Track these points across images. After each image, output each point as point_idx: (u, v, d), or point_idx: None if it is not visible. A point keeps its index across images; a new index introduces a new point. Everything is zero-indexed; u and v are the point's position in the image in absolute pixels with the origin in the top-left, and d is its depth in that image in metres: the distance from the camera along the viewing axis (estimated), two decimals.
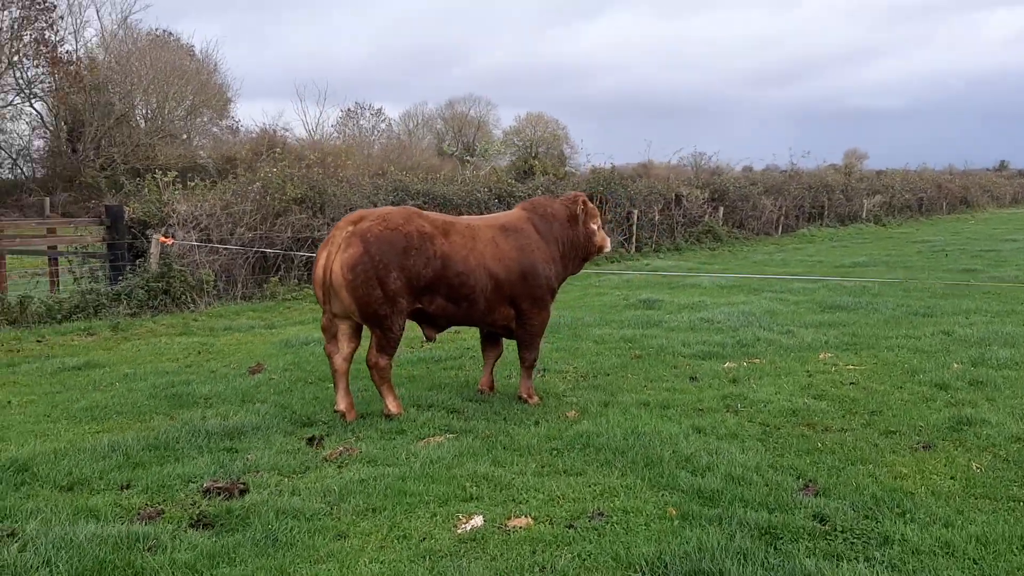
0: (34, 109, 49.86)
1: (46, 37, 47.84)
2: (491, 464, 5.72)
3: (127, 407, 7.49)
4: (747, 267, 21.58)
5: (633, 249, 25.10)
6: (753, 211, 30.32)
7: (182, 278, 14.18)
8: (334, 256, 6.67)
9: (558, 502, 4.99)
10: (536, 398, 7.55)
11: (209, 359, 10.10)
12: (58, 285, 15.72)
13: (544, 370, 8.88)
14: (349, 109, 56.47)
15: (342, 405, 6.93)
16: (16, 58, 48.39)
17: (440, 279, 6.87)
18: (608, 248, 8.36)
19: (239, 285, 15.44)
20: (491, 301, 7.20)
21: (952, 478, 5.42)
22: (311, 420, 6.90)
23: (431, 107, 72.75)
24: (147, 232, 14.86)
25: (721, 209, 29.09)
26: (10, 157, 50.30)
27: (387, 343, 6.85)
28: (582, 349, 10.03)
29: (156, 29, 52.20)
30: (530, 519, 4.74)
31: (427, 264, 6.77)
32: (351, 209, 16.95)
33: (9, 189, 45.73)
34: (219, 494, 5.16)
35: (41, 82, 49.13)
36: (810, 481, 5.32)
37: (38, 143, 50.89)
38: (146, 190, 15.91)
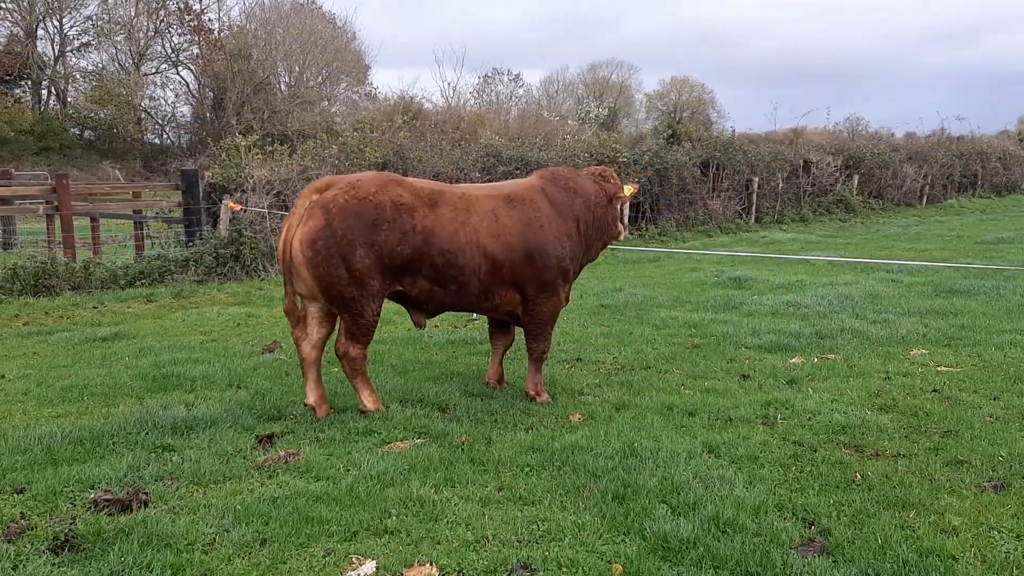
0: (180, 77, 51.71)
1: (190, 5, 49.49)
2: (442, 482, 4.78)
3: (107, 387, 6.96)
4: (876, 240, 19.65)
5: (752, 220, 23.38)
6: (893, 179, 27.78)
7: (253, 245, 13.81)
8: (294, 230, 5.82)
9: (482, 546, 4.00)
10: (545, 395, 6.52)
11: (241, 333, 9.57)
12: (144, 250, 15.75)
13: (578, 359, 7.83)
14: (486, 75, 55.78)
15: (312, 398, 6.12)
16: (162, 25, 50.36)
17: (422, 258, 5.90)
18: (622, 236, 7.13)
19: None
20: (487, 285, 6.16)
21: (1019, 537, 4.08)
22: (281, 413, 6.14)
23: (572, 72, 71.39)
24: (224, 198, 14.59)
25: (856, 177, 26.79)
26: (159, 123, 52.48)
27: (358, 330, 5.96)
28: (635, 335, 8.89)
29: None
30: (434, 569, 3.78)
31: (403, 240, 5.81)
32: (435, 175, 16.22)
33: (156, 154, 47.64)
34: (107, 507, 4.44)
35: (185, 50, 50.98)
36: (820, 533, 4.11)
37: (184, 109, 52.80)
38: (224, 155, 15.63)
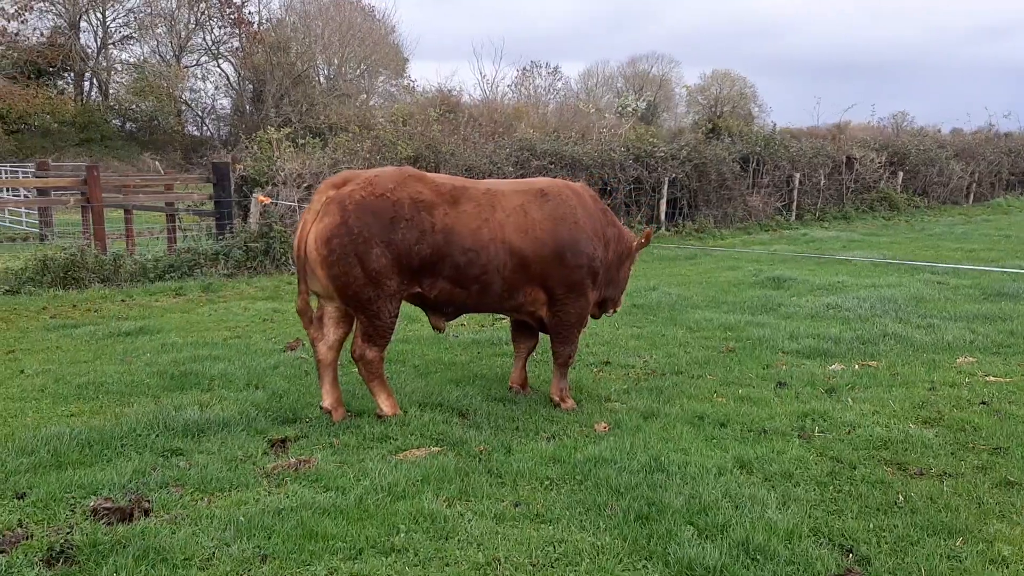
0: (220, 69, 52.01)
1: None
2: (456, 496, 4.54)
3: (124, 385, 6.82)
4: (921, 240, 19.09)
5: (793, 217, 22.88)
6: (939, 177, 27.04)
7: (283, 239, 13.67)
8: (309, 227, 5.59)
9: (493, 569, 3.75)
10: (570, 402, 6.25)
11: (266, 329, 9.42)
12: (176, 242, 15.72)
13: (607, 363, 7.56)
14: (525, 68, 55.41)
15: (328, 402, 5.91)
16: (203, 18, 50.67)
17: (442, 257, 5.65)
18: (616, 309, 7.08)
19: None
20: (511, 282, 5.89)
21: None
22: (297, 416, 5.94)
23: (612, 65, 70.83)
24: (254, 191, 14.49)
25: (900, 174, 26.11)
26: (199, 115, 52.88)
27: (375, 332, 5.74)
28: (668, 337, 8.59)
29: None
30: None
31: (422, 239, 5.56)
32: (468, 170, 15.99)
33: (196, 145, 47.97)
34: (107, 516, 4.27)
35: (226, 42, 51.28)
36: (859, 561, 3.80)
37: (224, 101, 53.12)
38: (256, 148, 15.53)
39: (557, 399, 6.26)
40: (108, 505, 4.33)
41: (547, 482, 4.74)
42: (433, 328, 6.17)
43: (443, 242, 5.62)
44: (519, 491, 4.63)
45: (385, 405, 5.88)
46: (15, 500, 4.50)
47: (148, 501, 4.46)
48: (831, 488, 4.63)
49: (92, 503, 4.38)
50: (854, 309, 9.70)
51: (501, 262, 5.80)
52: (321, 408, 5.92)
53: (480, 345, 8.28)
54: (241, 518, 4.22)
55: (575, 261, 6.04)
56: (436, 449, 5.28)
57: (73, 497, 4.51)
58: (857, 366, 7.34)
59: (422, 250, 5.58)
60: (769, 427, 5.64)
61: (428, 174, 5.93)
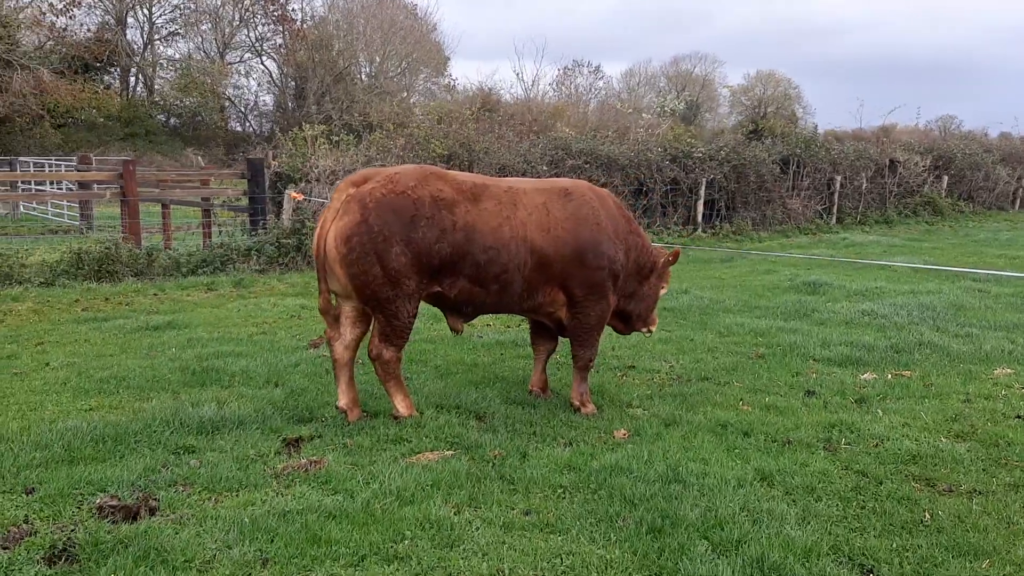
0: (263, 66, 52.47)
1: None
2: (465, 502, 4.44)
3: (145, 380, 6.81)
4: (964, 246, 18.65)
5: (833, 220, 22.48)
6: (985, 182, 26.43)
7: None
8: (329, 225, 5.52)
9: None
10: (591, 407, 6.13)
11: (292, 326, 9.41)
12: (211, 237, 15.82)
13: (631, 367, 7.41)
14: (566, 67, 55.18)
15: (343, 401, 5.84)
16: (247, 15, 51.15)
17: (463, 256, 5.56)
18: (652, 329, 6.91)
19: None
20: (531, 282, 5.80)
21: None
22: (312, 415, 5.88)
23: (655, 65, 70.33)
24: (288, 187, 14.52)
25: (945, 178, 25.56)
26: (241, 111, 53.39)
27: (392, 332, 5.65)
28: (697, 342, 8.42)
29: None
30: None
31: (442, 237, 5.47)
32: (502, 168, 15.90)
33: (238, 141, 48.44)
34: (112, 514, 4.23)
35: (269, 39, 51.71)
36: None
37: (266, 98, 53.58)
38: (292, 144, 15.57)
39: (577, 404, 6.14)
40: (114, 503, 4.29)
41: (560, 490, 4.63)
42: (451, 329, 6.08)
43: (464, 240, 5.54)
44: (531, 499, 4.51)
45: (401, 406, 5.80)
46: (23, 495, 4.48)
47: (155, 500, 4.41)
48: (854, 504, 4.46)
49: (99, 500, 4.34)
50: (890, 316, 9.44)
51: (522, 260, 5.71)
52: (337, 408, 5.86)
53: (504, 346, 8.18)
54: (246, 520, 4.16)
55: (596, 262, 5.94)
56: (450, 452, 5.18)
57: (81, 494, 4.48)
58: (890, 376, 7.12)
59: (442, 249, 5.49)
60: (794, 438, 5.47)
61: (450, 172, 5.86)
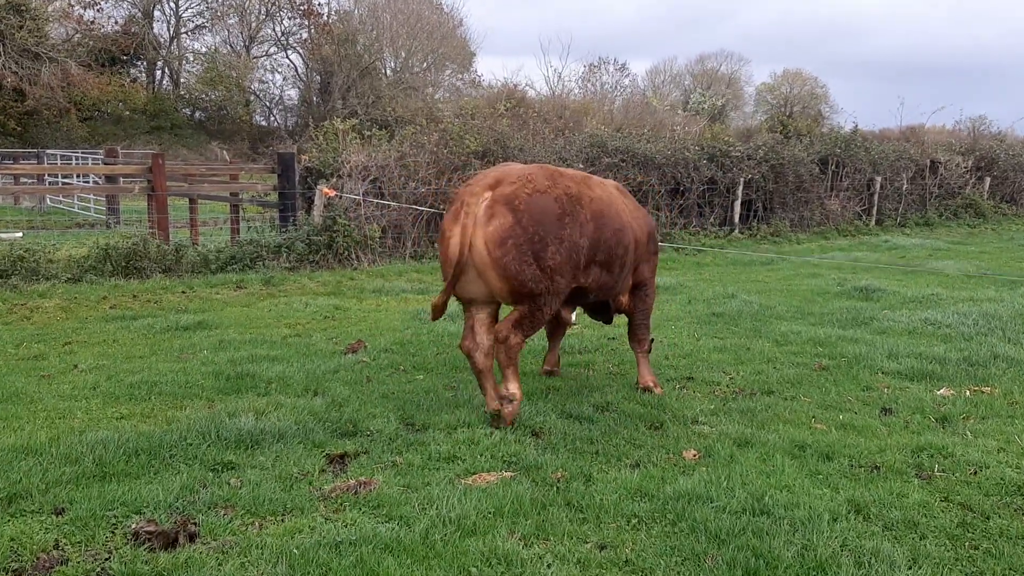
0: (289, 60, 52.35)
1: None
2: (532, 533, 4.03)
3: (178, 386, 6.46)
4: (1011, 250, 18.09)
5: (873, 222, 21.90)
6: None
7: (346, 232, 13.34)
8: (473, 229, 5.31)
9: None
10: (660, 388, 6.49)
11: (327, 327, 9.05)
12: (239, 233, 15.51)
13: (689, 378, 6.98)
14: (592, 64, 54.69)
15: (494, 404, 5.63)
16: (273, 9, 51.01)
17: (597, 244, 5.69)
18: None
19: (409, 243, 14.43)
20: (631, 265, 6.21)
21: None
22: (357, 428, 5.50)
23: (680, 63, 69.72)
24: (319, 183, 14.16)
25: (987, 180, 24.90)
26: (266, 105, 53.28)
27: (531, 324, 5.58)
28: (754, 351, 7.98)
29: None
30: None
31: (581, 231, 5.55)
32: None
33: (263, 136, 48.37)
34: (149, 540, 3.86)
35: (295, 34, 51.57)
36: None
37: (291, 92, 53.46)
38: (322, 138, 15.22)
39: (651, 384, 6.48)
40: (151, 528, 3.92)
41: (634, 520, 4.21)
42: (565, 322, 6.52)
43: (594, 228, 5.63)
44: (603, 530, 4.10)
45: (515, 388, 5.59)
46: (53, 516, 4.12)
47: (195, 524, 4.04)
48: (965, 543, 4.01)
49: (134, 525, 3.97)
50: (956, 326, 8.95)
51: (632, 241, 6.05)
52: (490, 411, 5.65)
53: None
54: (294, 551, 3.77)
55: (654, 248, 6.67)
56: (508, 474, 4.78)
57: (115, 516, 4.11)
58: (968, 392, 6.65)
59: (583, 243, 5.56)
60: (881, 462, 5.02)
61: (556, 167, 5.84)
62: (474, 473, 4.81)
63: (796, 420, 5.88)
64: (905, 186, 22.88)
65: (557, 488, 4.59)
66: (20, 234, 14.11)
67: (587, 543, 3.96)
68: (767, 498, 4.36)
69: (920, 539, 4.03)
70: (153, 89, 46.89)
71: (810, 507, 4.27)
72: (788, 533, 3.99)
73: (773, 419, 5.88)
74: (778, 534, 3.97)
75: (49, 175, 23.84)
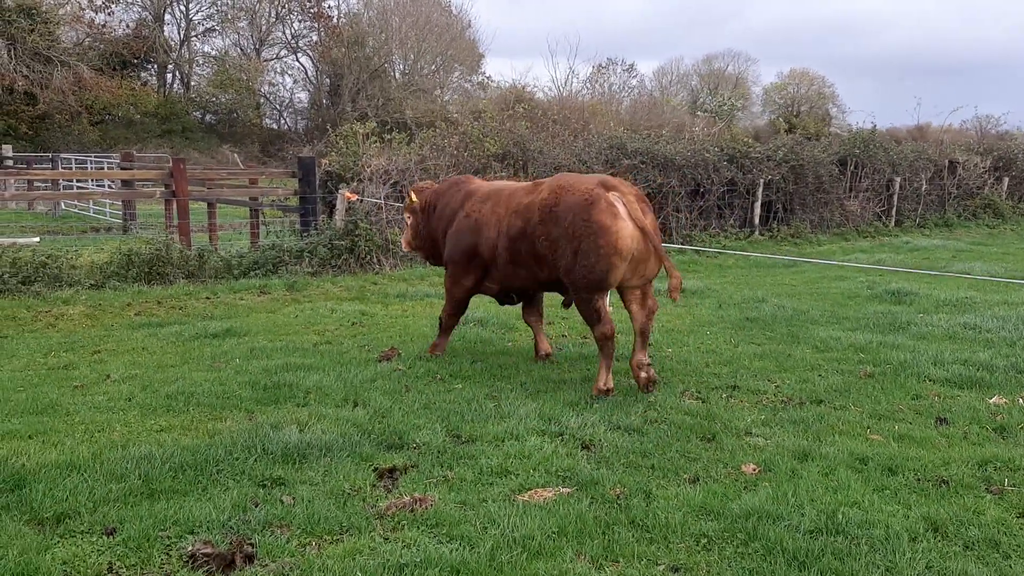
0: (299, 63, 52.28)
1: None
2: (600, 554, 3.90)
3: (215, 396, 6.33)
4: None
5: (892, 223, 21.71)
6: None
7: (368, 237, 13.21)
8: (645, 220, 6.38)
9: None
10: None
11: (356, 334, 8.91)
12: (259, 238, 15.39)
13: (734, 387, 6.83)
14: (600, 65, 54.55)
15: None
16: (283, 12, 50.97)
17: None
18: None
19: None
20: None
21: None
22: (402, 440, 5.37)
23: (687, 63, 69.54)
24: (340, 187, 14.04)
25: (1006, 180, 24.69)
26: (276, 108, 53.23)
27: None
28: (795, 357, 7.82)
29: None
30: None
31: None
32: (557, 167, 15.37)
33: (273, 139, 48.31)
34: (207, 564, 3.73)
35: (305, 36, 51.50)
36: None
37: (302, 95, 53.40)
38: (342, 142, 15.10)
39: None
40: (208, 550, 3.79)
41: (704, 540, 4.06)
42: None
43: None
44: (673, 551, 3.96)
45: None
46: (104, 537, 4.00)
47: (251, 544, 3.91)
48: None
49: (190, 547, 3.84)
50: (996, 331, 8.78)
51: None
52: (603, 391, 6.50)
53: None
54: (358, 573, 3.64)
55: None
56: (566, 490, 4.64)
57: (168, 536, 3.99)
58: (1021, 400, 6.49)
59: None
60: (947, 476, 4.87)
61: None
62: (529, 489, 4.67)
63: (851, 431, 5.73)
64: (924, 187, 22.68)
65: (618, 505, 4.45)
66: (38, 239, 14.02)
67: (659, 565, 3.82)
68: (839, 516, 4.21)
69: (1004, 559, 3.89)
70: (164, 92, 46.86)
71: (886, 525, 4.13)
72: (868, 554, 3.85)
73: (827, 430, 5.72)
74: (858, 555, 3.83)
75: (64, 179, 23.77)
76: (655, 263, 6.50)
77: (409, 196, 8.14)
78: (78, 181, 23.38)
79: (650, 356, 7.81)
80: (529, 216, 6.75)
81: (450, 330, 7.95)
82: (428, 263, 9.83)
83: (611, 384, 6.53)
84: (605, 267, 6.25)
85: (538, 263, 6.80)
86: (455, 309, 7.79)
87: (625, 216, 6.27)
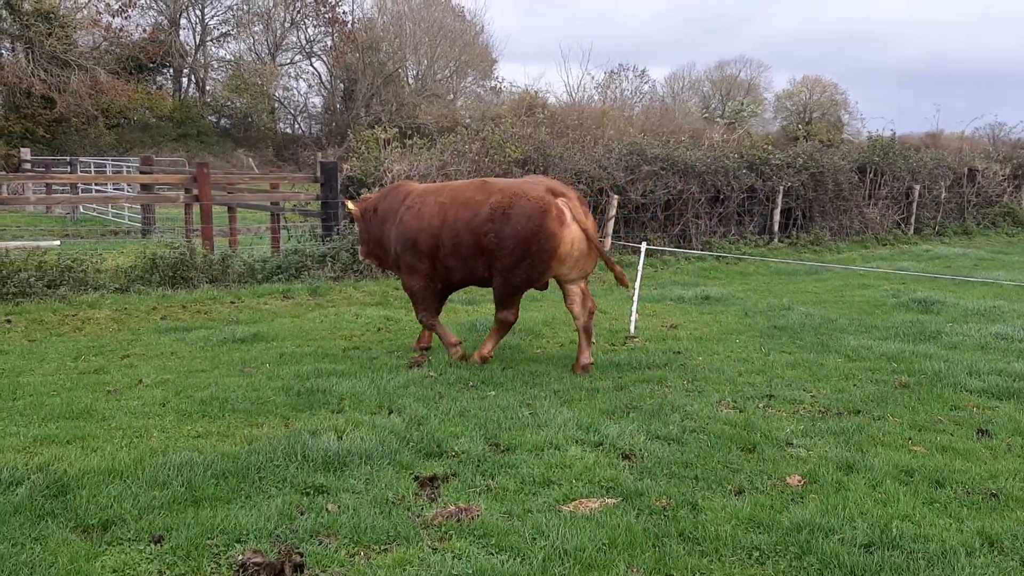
0: (313, 68, 52.39)
1: None
2: (653, 568, 3.85)
3: (250, 402, 6.32)
4: None
5: (911, 231, 21.60)
6: None
7: None
8: (587, 222, 7.22)
9: None
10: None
11: (383, 339, 8.90)
12: (280, 243, 15.40)
13: (770, 396, 6.77)
14: (612, 71, 54.48)
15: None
16: (298, 16, 51.09)
17: None
18: None
19: None
20: None
21: None
22: (441, 448, 5.34)
23: (699, 69, 69.37)
24: (361, 191, 14.04)
25: None
26: (291, 113, 53.36)
27: None
28: (828, 367, 7.76)
29: None
30: None
31: None
32: (577, 174, 15.36)
33: (287, 143, 48.43)
34: (258, 573, 3.70)
35: (319, 41, 51.62)
36: None
37: (316, 100, 53.50)
38: (363, 148, 15.10)
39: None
40: (258, 560, 3.76)
41: (756, 553, 4.01)
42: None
43: None
44: (726, 565, 3.91)
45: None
46: (152, 545, 3.97)
47: (300, 554, 3.88)
48: None
49: (240, 556, 3.82)
50: None
51: None
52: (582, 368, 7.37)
53: (620, 369, 7.59)
54: None
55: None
56: (611, 501, 4.60)
57: (216, 545, 3.96)
58: None
59: None
60: (997, 490, 4.80)
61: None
62: (573, 499, 4.63)
63: (892, 442, 5.67)
64: (943, 194, 22.57)
65: (666, 517, 4.40)
66: (58, 242, 14.05)
67: None
68: (893, 530, 4.16)
69: None
70: (179, 97, 47.05)
71: (941, 540, 4.07)
72: (926, 570, 3.80)
73: (868, 441, 5.66)
74: (916, 571, 3.77)
75: (83, 183, 23.85)
76: (593, 260, 7.39)
77: (344, 204, 8.56)
78: (96, 185, 23.45)
79: (680, 363, 7.80)
80: (478, 210, 7.20)
81: (435, 327, 8.07)
82: (383, 270, 10.50)
83: (489, 355, 7.54)
84: (543, 268, 7.18)
85: (477, 257, 7.29)
86: (422, 305, 7.96)
87: (571, 221, 7.07)
